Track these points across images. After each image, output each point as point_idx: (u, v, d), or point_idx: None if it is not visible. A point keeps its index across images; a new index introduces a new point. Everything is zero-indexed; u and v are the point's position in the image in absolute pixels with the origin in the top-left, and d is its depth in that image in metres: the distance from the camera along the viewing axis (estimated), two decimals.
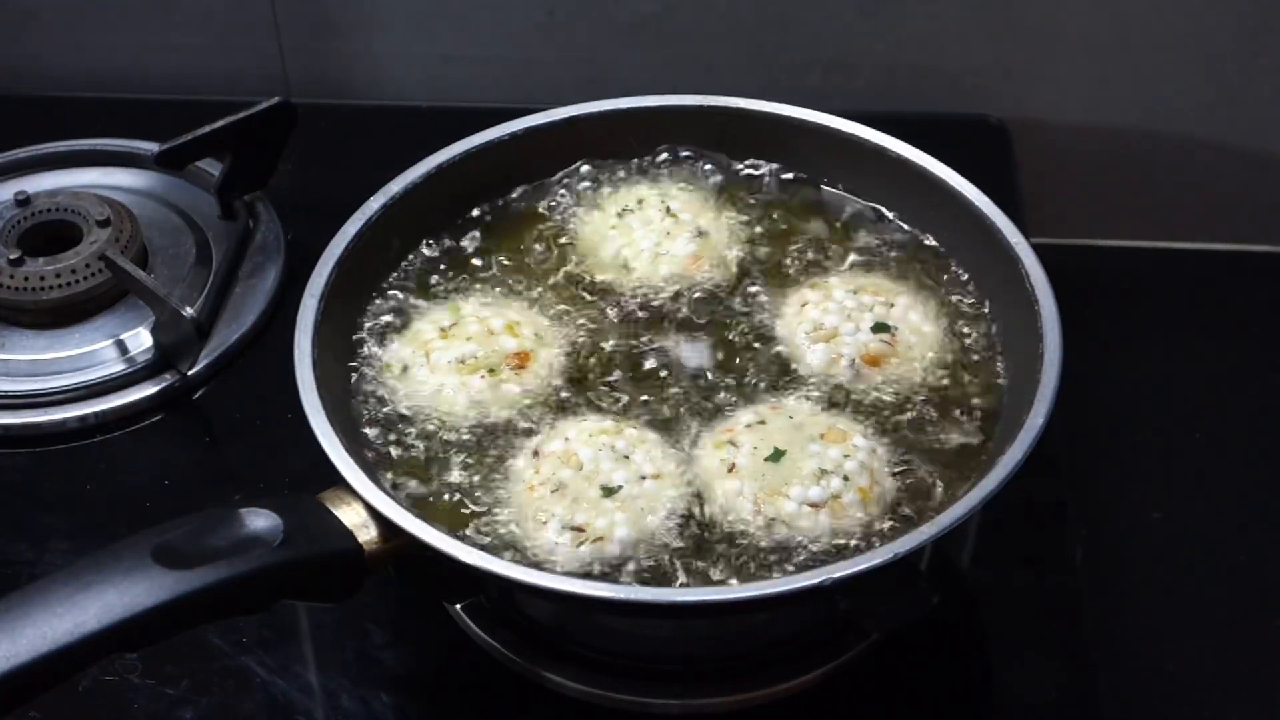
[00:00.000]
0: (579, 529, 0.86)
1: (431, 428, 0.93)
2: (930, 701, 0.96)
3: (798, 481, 0.87)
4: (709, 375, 0.96)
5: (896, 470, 0.90)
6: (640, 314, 1.00)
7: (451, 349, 0.95)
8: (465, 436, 0.93)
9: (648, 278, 1.01)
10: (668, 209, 1.04)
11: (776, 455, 0.88)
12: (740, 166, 1.08)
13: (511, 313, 0.99)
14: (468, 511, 0.89)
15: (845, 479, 0.87)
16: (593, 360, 0.97)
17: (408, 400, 0.94)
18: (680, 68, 1.36)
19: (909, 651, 0.96)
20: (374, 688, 0.96)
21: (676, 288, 1.01)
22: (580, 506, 0.87)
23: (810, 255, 1.03)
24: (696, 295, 1.01)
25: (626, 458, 0.89)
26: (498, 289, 1.02)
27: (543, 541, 0.86)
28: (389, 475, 0.90)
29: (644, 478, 0.88)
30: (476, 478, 0.91)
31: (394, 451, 0.92)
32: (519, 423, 0.93)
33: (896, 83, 1.35)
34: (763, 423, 0.91)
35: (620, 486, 0.87)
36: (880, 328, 0.96)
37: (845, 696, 0.95)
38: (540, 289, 1.02)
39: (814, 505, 0.86)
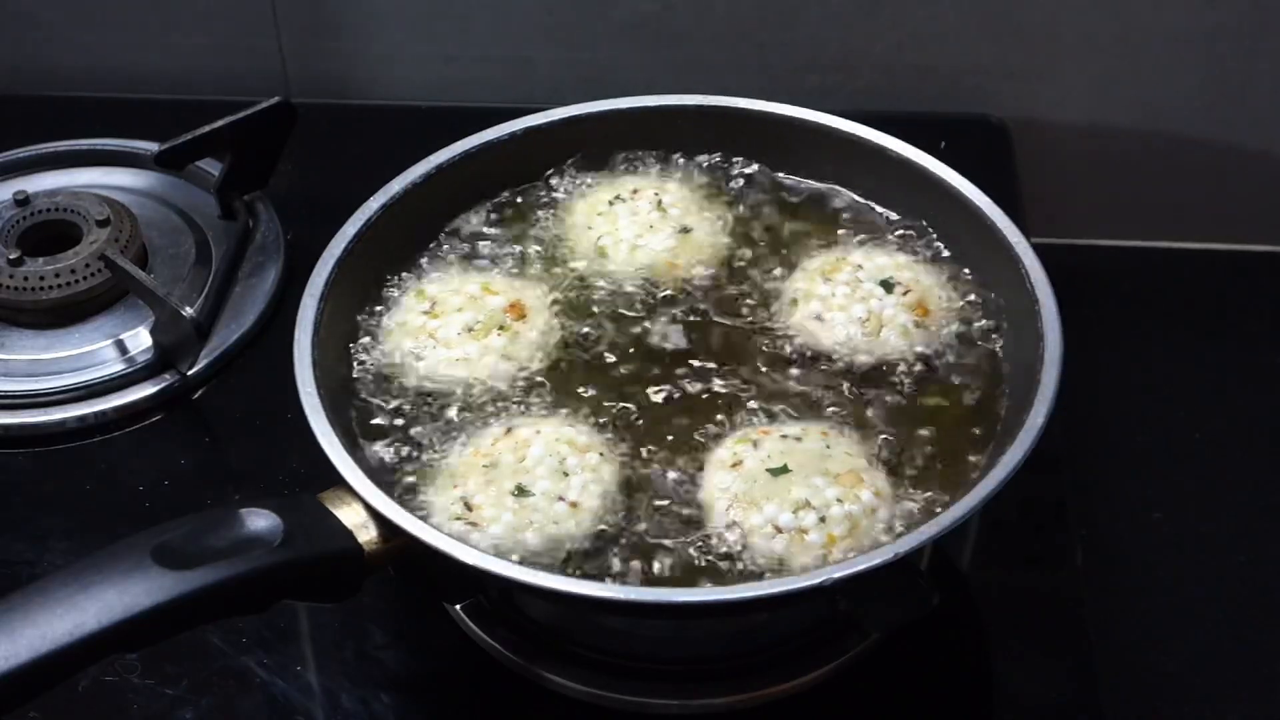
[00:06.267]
0: (469, 506, 0.86)
1: (434, 422, 0.93)
2: (930, 701, 0.96)
3: (779, 501, 0.86)
4: (699, 371, 0.96)
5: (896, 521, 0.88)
6: (632, 303, 1.00)
7: (452, 323, 0.96)
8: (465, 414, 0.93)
9: (621, 267, 1.01)
10: (659, 202, 1.04)
11: (781, 470, 0.88)
12: (739, 166, 1.08)
13: (478, 279, 1.00)
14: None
15: (822, 520, 0.85)
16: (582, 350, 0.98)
17: (416, 382, 0.95)
18: (680, 68, 1.36)
19: (909, 651, 0.96)
20: (374, 688, 0.96)
21: (649, 280, 1.01)
22: (488, 491, 0.87)
23: (810, 255, 1.03)
24: (691, 289, 1.01)
25: (565, 475, 0.87)
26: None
27: (432, 500, 0.87)
28: (387, 475, 0.90)
29: (560, 499, 0.87)
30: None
31: (395, 445, 0.92)
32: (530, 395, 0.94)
33: (896, 83, 1.35)
34: (799, 439, 0.89)
35: (533, 495, 0.86)
36: (887, 286, 0.96)
37: (845, 696, 0.95)
38: (534, 272, 1.02)
39: (778, 530, 0.85)
